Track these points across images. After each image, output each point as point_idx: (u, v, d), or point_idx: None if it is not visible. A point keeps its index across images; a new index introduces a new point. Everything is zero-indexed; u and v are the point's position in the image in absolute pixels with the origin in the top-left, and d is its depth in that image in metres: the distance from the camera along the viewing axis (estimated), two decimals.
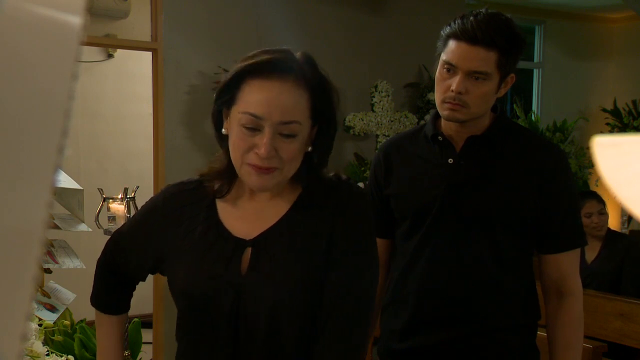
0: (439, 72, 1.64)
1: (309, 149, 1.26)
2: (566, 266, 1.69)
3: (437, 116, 1.72)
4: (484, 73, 1.58)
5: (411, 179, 1.73)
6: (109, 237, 1.48)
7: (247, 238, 1.28)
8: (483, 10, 1.61)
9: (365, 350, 1.29)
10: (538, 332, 1.76)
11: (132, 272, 1.45)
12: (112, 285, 1.47)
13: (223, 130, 1.27)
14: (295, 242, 1.26)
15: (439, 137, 1.70)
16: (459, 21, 1.60)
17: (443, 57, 1.62)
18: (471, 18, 1.58)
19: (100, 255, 1.47)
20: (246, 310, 1.24)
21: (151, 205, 1.41)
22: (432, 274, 1.68)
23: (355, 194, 1.30)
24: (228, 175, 1.30)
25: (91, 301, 1.48)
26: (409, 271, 1.72)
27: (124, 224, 1.50)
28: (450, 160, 1.68)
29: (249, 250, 1.26)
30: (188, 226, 1.32)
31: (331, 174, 1.33)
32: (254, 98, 1.19)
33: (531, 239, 1.70)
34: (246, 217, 1.31)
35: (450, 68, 1.60)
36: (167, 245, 1.33)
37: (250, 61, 1.21)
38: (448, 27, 1.62)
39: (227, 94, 1.23)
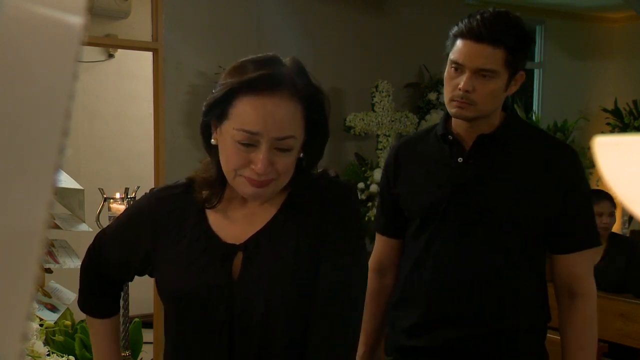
0: (447, 71, 1.65)
1: (301, 155, 1.26)
2: (579, 266, 1.68)
3: (448, 116, 1.73)
4: (490, 71, 1.58)
5: (420, 178, 1.74)
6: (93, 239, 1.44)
7: (237, 243, 1.27)
8: (490, 9, 1.61)
9: (354, 351, 1.28)
10: (549, 335, 1.74)
11: (117, 274, 1.43)
12: (98, 288, 1.45)
13: (212, 140, 1.25)
14: (285, 243, 1.26)
15: (449, 137, 1.71)
16: (466, 20, 1.60)
17: (450, 56, 1.63)
18: (477, 17, 1.59)
19: (84, 258, 1.44)
20: (240, 314, 1.23)
21: (137, 208, 1.39)
22: (439, 273, 1.68)
23: (342, 192, 1.30)
24: (218, 185, 1.29)
25: (79, 306, 1.47)
26: (416, 270, 1.72)
27: (107, 226, 1.47)
28: (460, 159, 1.68)
29: (240, 255, 1.26)
30: (177, 231, 1.30)
31: (319, 171, 1.32)
32: (248, 115, 1.17)
33: (541, 239, 1.68)
34: (236, 222, 1.30)
35: (458, 67, 1.61)
36: (155, 249, 1.32)
37: (242, 77, 1.18)
38: (455, 27, 1.63)
39: (217, 108, 1.21)
